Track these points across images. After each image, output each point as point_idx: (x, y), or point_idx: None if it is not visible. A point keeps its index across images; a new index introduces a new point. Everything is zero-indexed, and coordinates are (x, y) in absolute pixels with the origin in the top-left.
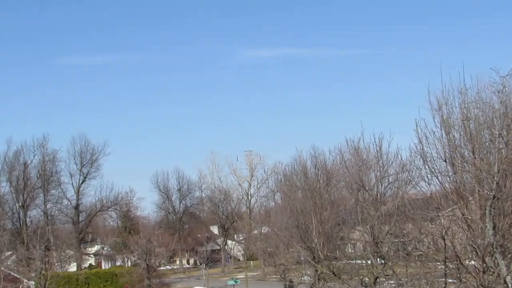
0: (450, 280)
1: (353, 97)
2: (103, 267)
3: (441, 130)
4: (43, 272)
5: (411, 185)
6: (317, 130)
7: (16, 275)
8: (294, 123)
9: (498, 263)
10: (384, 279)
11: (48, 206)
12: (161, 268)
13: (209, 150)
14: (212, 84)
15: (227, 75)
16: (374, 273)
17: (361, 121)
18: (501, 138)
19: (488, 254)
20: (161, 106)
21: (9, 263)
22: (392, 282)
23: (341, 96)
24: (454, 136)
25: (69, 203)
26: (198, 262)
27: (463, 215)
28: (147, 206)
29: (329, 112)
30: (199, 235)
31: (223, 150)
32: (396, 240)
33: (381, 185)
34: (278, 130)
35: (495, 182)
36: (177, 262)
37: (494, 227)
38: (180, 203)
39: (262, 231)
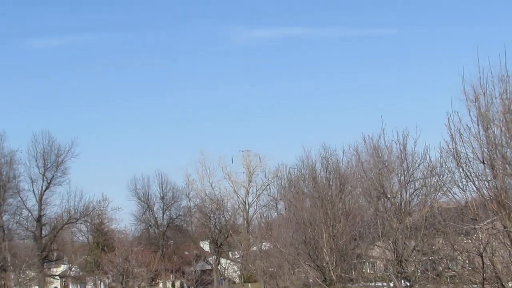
0: None
1: (371, 86)
2: None
3: (478, 125)
4: None
5: (442, 192)
6: (328, 125)
7: None
8: (300, 117)
9: None
10: None
11: (4, 218)
12: None
13: (198, 150)
14: (202, 72)
15: (220, 62)
16: None
17: (381, 115)
18: None
19: None
20: (140, 99)
21: None
22: None
23: (357, 86)
24: (493, 132)
25: (30, 214)
26: (185, 285)
27: (505, 227)
28: (124, 218)
29: (342, 104)
30: (187, 253)
31: (215, 150)
32: (424, 258)
33: (406, 192)
34: (280, 126)
35: None
36: (160, 284)
37: None
38: (163, 214)
39: (262, 247)
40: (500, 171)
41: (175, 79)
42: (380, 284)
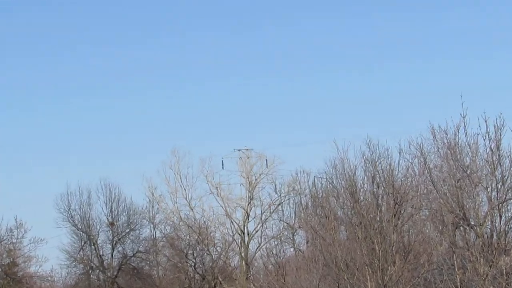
0: None
1: (440, 50)
2: None
3: None
4: None
5: None
6: (374, 110)
7: None
8: (328, 98)
9: None
10: None
11: None
12: None
13: (169, 148)
14: (176, 36)
15: (204, 16)
16: None
17: (460, 94)
18: None
19: None
20: (78, 74)
21: None
22: None
23: (419, 51)
24: None
25: None
26: None
27: None
28: (51, 255)
29: (394, 79)
30: None
31: (196, 149)
32: None
33: (500, 217)
34: (298, 113)
35: None
36: None
37: None
38: (113, 249)
39: None
40: None
41: (132, 47)
42: None
